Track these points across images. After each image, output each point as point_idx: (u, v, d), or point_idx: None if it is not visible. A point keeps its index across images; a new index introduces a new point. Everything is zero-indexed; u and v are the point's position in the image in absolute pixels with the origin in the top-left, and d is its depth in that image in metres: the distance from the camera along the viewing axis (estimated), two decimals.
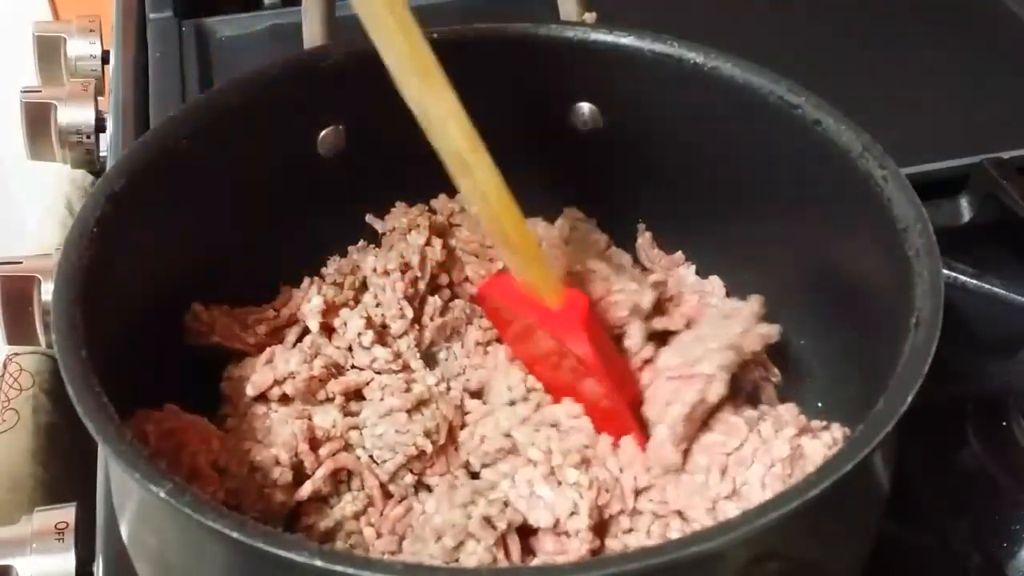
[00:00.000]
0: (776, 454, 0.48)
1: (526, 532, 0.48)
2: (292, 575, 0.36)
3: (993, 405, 0.58)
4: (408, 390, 0.52)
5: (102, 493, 0.54)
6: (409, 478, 0.51)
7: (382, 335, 0.55)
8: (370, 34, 0.44)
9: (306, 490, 0.49)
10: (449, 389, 0.53)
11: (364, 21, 0.44)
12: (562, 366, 0.52)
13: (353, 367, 0.54)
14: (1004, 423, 0.57)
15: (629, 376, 0.53)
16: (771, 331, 0.53)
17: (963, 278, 0.60)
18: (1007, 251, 0.66)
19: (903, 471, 0.46)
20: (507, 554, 0.47)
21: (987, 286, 0.61)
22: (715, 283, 0.59)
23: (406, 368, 0.54)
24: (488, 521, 0.47)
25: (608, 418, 0.51)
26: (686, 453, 0.50)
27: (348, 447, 0.51)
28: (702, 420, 0.50)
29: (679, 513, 0.48)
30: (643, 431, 0.51)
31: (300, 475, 0.50)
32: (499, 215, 0.49)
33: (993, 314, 0.60)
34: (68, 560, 0.53)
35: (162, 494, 0.37)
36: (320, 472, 0.49)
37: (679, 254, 0.61)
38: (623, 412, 0.51)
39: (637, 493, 0.49)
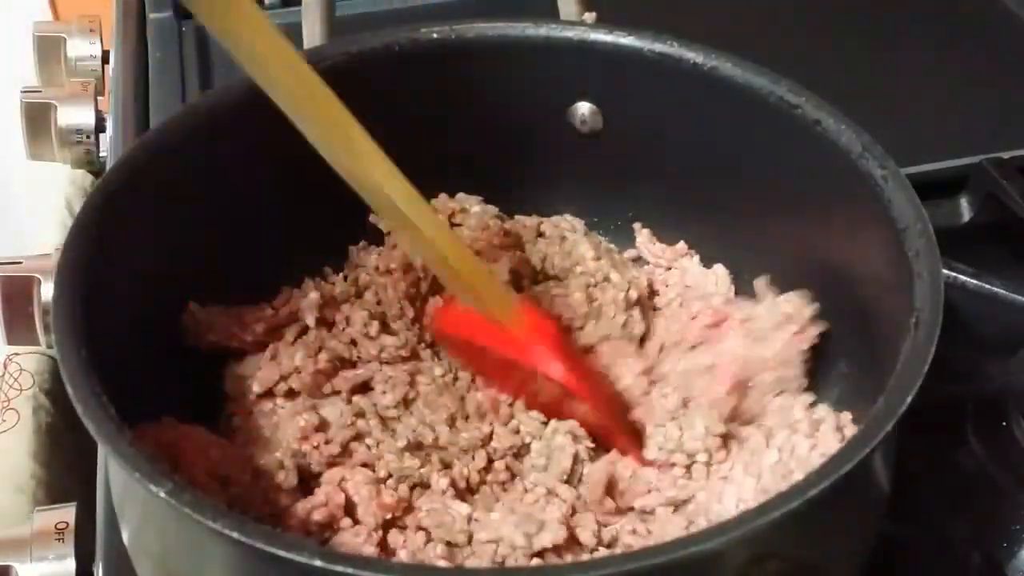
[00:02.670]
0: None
1: None
2: (292, 575, 0.36)
3: (993, 405, 0.58)
4: (413, 383, 0.52)
5: (102, 493, 0.54)
6: None
7: (387, 326, 0.55)
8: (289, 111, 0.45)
9: (320, 513, 0.48)
10: (456, 379, 0.53)
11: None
12: (542, 390, 0.51)
13: (359, 359, 0.54)
14: (1004, 423, 0.57)
15: (606, 387, 0.52)
16: None
17: (963, 278, 0.60)
18: (1007, 251, 0.66)
19: (903, 471, 0.46)
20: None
21: (987, 286, 0.60)
22: (719, 272, 0.59)
23: (415, 356, 0.54)
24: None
25: (598, 430, 0.51)
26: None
27: (355, 439, 0.51)
28: None
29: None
30: (634, 437, 0.51)
31: (305, 476, 0.49)
32: (449, 259, 0.48)
33: (993, 314, 0.60)
34: (68, 560, 0.53)
35: (162, 494, 0.37)
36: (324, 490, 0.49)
37: (681, 244, 0.60)
38: (611, 425, 0.51)
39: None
